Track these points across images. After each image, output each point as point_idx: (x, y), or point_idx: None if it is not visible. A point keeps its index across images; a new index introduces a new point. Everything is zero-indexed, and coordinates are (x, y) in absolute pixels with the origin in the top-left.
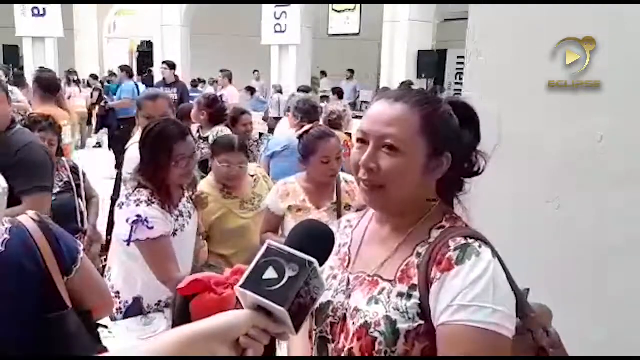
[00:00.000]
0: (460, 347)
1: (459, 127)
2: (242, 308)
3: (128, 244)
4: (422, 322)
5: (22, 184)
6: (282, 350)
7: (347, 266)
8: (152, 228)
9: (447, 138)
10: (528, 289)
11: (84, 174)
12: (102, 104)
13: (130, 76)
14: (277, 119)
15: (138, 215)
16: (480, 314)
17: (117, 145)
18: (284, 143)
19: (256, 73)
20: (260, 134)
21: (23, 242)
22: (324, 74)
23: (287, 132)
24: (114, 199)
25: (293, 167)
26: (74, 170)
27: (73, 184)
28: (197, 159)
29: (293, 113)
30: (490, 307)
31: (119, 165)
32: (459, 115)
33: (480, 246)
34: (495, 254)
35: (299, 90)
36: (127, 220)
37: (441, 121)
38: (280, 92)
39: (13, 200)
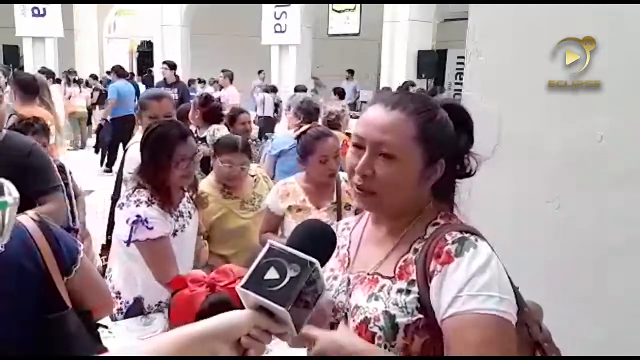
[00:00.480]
0: (473, 334)
1: (454, 132)
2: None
3: (128, 245)
4: (421, 315)
5: (40, 185)
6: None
7: (347, 267)
8: (151, 228)
9: (443, 145)
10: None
11: (70, 173)
12: (100, 120)
13: (120, 75)
14: (261, 117)
15: (138, 216)
16: (490, 302)
17: (113, 143)
18: (291, 142)
19: (261, 73)
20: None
21: (23, 242)
22: None
23: (289, 131)
24: (115, 198)
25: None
26: (61, 169)
27: (62, 183)
28: (198, 160)
29: (294, 112)
30: (497, 296)
31: (110, 164)
32: (453, 118)
33: (476, 239)
34: (491, 247)
35: (296, 89)
36: (127, 221)
37: (437, 129)
38: (267, 91)
39: (24, 202)
